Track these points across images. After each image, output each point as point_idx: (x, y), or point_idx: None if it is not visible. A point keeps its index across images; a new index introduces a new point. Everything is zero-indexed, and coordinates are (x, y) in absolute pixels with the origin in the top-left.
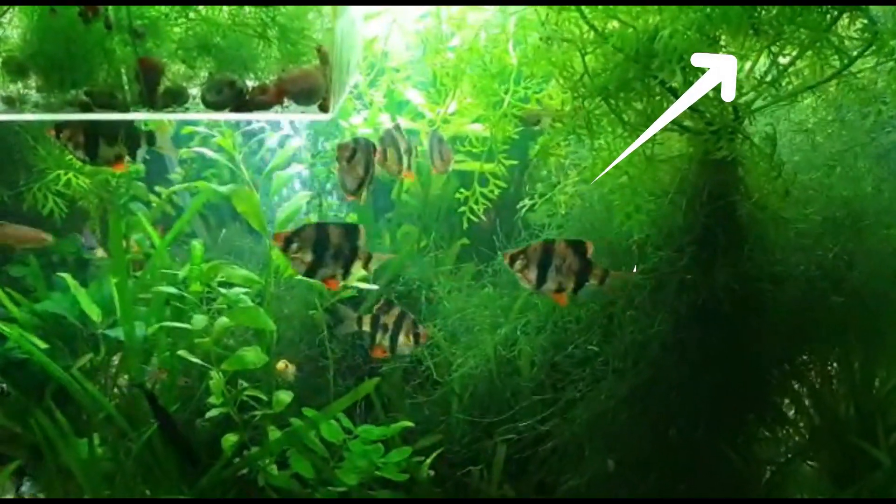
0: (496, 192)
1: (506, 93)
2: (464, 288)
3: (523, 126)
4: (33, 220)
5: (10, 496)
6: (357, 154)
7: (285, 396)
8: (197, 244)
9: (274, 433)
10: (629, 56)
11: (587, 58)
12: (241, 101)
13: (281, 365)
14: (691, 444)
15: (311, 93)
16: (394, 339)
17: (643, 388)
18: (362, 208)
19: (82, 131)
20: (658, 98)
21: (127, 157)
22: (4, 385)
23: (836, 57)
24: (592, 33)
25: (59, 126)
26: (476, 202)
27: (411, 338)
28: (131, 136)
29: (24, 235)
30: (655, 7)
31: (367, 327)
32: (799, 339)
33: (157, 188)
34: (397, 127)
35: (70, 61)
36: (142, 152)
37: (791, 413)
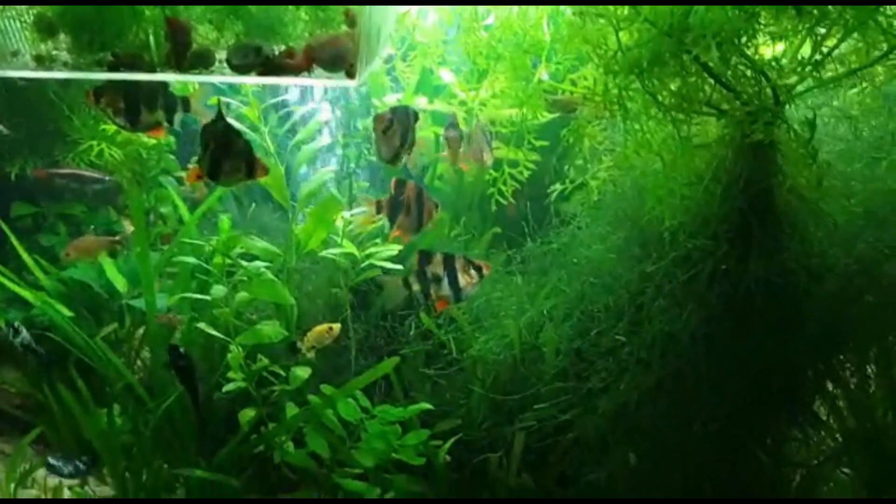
0: (525, 174)
1: (537, 68)
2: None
3: (558, 112)
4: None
5: (29, 465)
6: (394, 125)
7: (303, 372)
8: (225, 217)
9: (291, 409)
10: (662, 30)
11: (621, 34)
12: (268, 65)
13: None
14: (718, 442)
15: (338, 58)
16: (454, 283)
17: (669, 381)
18: None
19: (122, 97)
20: (693, 77)
21: (165, 123)
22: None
23: (883, 40)
24: (626, 8)
25: (98, 91)
26: (505, 183)
27: (473, 274)
28: (168, 102)
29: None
30: None
31: (416, 287)
32: (835, 336)
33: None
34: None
35: (100, 21)
36: (178, 117)
37: (824, 415)
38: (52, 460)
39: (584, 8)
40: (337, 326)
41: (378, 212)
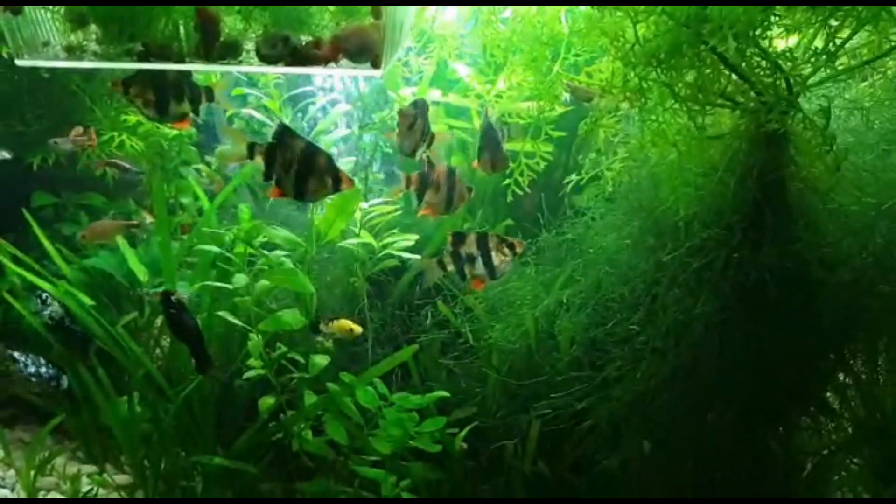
0: (542, 165)
1: (554, 61)
2: None
3: (574, 100)
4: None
5: (48, 452)
6: (417, 119)
7: (322, 360)
8: (245, 207)
9: (310, 397)
10: (679, 21)
11: (639, 26)
12: (296, 55)
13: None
14: (730, 430)
15: (365, 49)
16: (488, 263)
17: (683, 370)
18: None
19: (151, 88)
20: (709, 69)
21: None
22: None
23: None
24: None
25: (127, 81)
26: (521, 174)
27: (506, 252)
28: (193, 93)
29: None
30: None
31: (451, 267)
32: (847, 327)
33: (207, 158)
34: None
35: (130, 12)
36: (203, 108)
37: (836, 404)
38: (17, 355)
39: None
40: (358, 329)
41: (407, 186)
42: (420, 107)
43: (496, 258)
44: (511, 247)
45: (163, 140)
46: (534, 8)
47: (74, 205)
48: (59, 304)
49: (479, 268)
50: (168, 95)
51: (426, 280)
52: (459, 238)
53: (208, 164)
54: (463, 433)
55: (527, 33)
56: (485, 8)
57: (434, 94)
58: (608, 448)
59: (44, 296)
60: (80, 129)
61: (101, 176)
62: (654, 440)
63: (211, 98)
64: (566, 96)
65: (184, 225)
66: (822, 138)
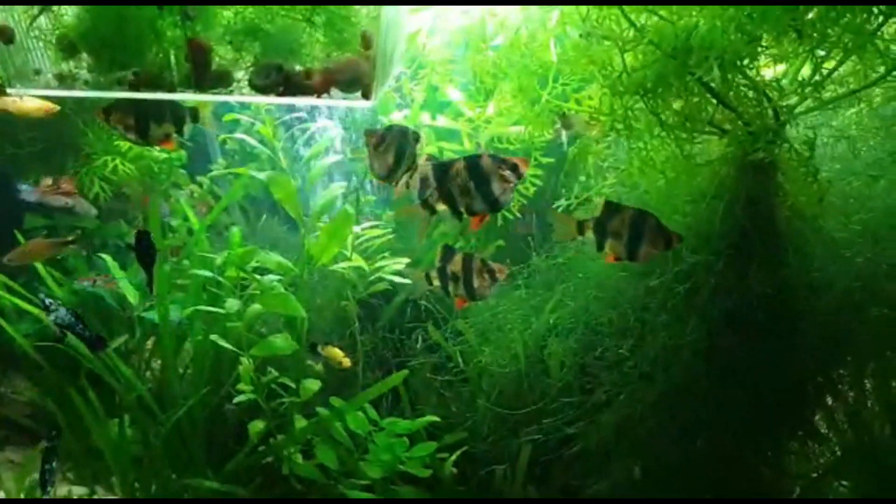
0: (532, 190)
1: (544, 90)
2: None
3: (568, 130)
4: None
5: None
6: (386, 141)
7: (312, 385)
8: (236, 230)
9: (300, 422)
10: (666, 52)
11: (626, 55)
12: (288, 86)
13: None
14: (719, 455)
15: (355, 81)
16: (468, 285)
17: (672, 395)
18: (400, 205)
19: (132, 113)
20: (696, 98)
21: (175, 135)
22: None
23: (881, 63)
24: (632, 30)
25: (108, 109)
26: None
27: (486, 277)
28: (177, 114)
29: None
30: (696, 5)
31: (437, 282)
32: (834, 351)
33: (199, 178)
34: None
35: (120, 41)
36: (188, 128)
37: (824, 428)
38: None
39: (590, 30)
40: (347, 363)
41: (433, 212)
42: (394, 132)
43: (476, 283)
44: (492, 272)
45: (153, 163)
46: (524, 35)
47: (66, 227)
48: (65, 309)
49: (461, 287)
50: (149, 119)
51: (415, 293)
52: (448, 255)
53: (200, 185)
54: (453, 458)
55: (515, 61)
56: (475, 34)
57: (423, 118)
58: (598, 472)
59: (47, 301)
60: (48, 181)
61: (94, 199)
62: (643, 465)
63: (196, 119)
64: (557, 126)
65: (173, 247)
66: (806, 168)
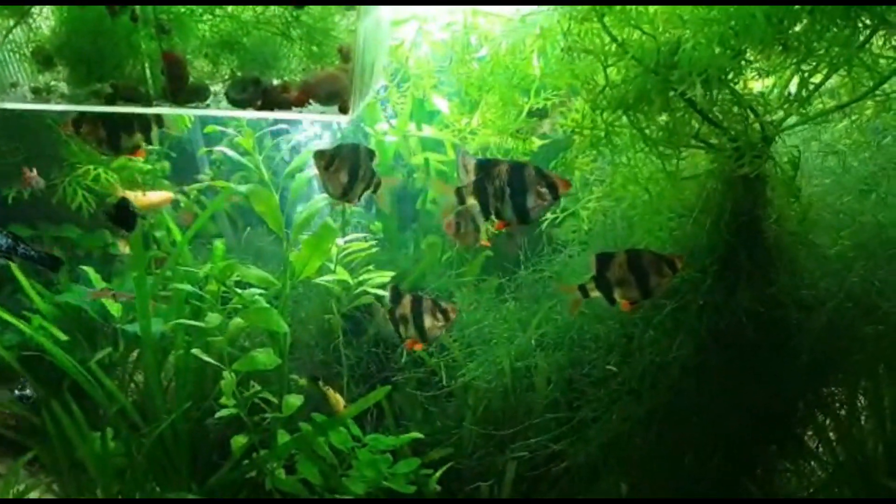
0: None
1: (527, 103)
2: (483, 301)
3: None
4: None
5: (23, 486)
6: (336, 161)
7: (295, 400)
8: (219, 243)
9: (283, 437)
10: (648, 68)
11: (609, 70)
12: (266, 99)
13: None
14: (708, 473)
15: (333, 95)
16: (419, 327)
17: (660, 412)
18: (387, 217)
19: (101, 125)
20: (680, 113)
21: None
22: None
23: (869, 76)
24: (614, 45)
25: (77, 121)
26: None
27: (439, 317)
28: (142, 121)
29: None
30: (679, 19)
31: (390, 325)
32: (825, 368)
33: (185, 188)
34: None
35: (97, 54)
36: (155, 135)
37: (815, 446)
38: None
39: (572, 44)
40: (341, 404)
41: (461, 202)
42: (345, 150)
43: (428, 323)
44: (445, 312)
45: (137, 173)
46: (506, 48)
47: (50, 237)
48: (3, 234)
49: (412, 330)
50: (118, 130)
51: (384, 332)
52: (396, 295)
53: (187, 196)
54: (437, 474)
55: (498, 74)
56: (460, 46)
57: (410, 128)
58: (585, 489)
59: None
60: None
61: (77, 208)
62: (630, 482)
63: (161, 124)
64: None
65: (157, 259)
66: (790, 185)
